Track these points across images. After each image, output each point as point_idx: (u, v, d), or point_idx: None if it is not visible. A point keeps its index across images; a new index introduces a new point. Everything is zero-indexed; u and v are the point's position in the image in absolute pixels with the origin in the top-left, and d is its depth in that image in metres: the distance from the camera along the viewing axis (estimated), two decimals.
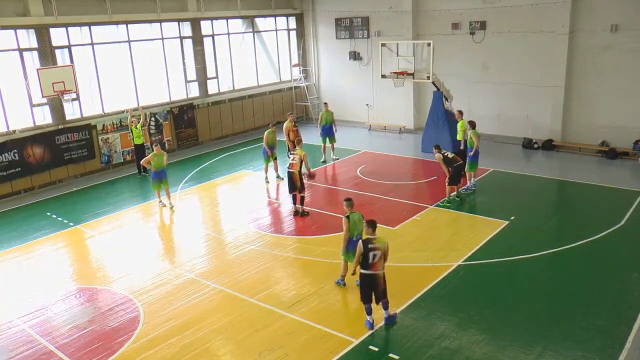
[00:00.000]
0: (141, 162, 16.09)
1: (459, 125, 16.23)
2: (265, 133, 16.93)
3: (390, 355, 8.56)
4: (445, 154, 14.58)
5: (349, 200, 10.37)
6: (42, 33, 17.47)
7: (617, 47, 18.05)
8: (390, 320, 9.32)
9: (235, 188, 17.54)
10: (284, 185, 17.06)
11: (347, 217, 10.09)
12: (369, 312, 9.21)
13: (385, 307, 9.28)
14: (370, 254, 8.90)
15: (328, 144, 19.50)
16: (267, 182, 17.35)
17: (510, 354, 8.47)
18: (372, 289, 9.10)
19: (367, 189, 16.26)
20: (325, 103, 20.16)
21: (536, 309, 9.77)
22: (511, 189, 15.92)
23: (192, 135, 22.33)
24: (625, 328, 8.93)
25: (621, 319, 9.20)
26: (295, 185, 14.40)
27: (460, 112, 16.54)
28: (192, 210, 15.71)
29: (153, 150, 15.40)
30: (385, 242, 9.03)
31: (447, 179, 14.68)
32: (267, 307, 10.14)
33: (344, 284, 10.60)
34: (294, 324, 9.57)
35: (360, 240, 9.06)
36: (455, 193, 14.97)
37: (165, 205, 15.62)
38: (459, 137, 16.21)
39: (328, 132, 19.28)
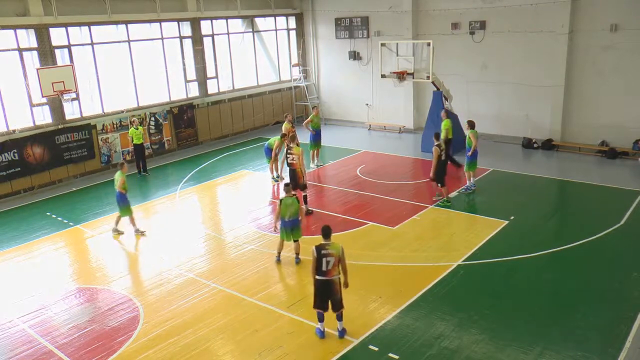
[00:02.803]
0: (117, 188, 13.57)
1: (442, 124, 16.63)
2: (276, 141, 16.89)
3: (390, 355, 8.56)
4: (442, 148, 14.56)
5: (287, 185, 11.54)
6: (41, 33, 17.47)
7: (616, 47, 18.06)
8: (343, 333, 9.05)
9: (235, 188, 17.55)
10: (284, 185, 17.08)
11: (280, 200, 11.24)
12: (321, 319, 9.00)
13: (339, 319, 9.01)
14: (324, 260, 8.69)
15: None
16: (276, 180, 17.37)
17: (510, 353, 8.47)
18: (328, 295, 8.87)
19: (366, 189, 16.26)
20: (315, 107, 19.91)
21: (536, 309, 9.78)
22: (511, 189, 15.93)
23: (191, 135, 22.33)
24: (624, 328, 8.94)
25: (621, 319, 9.21)
26: (298, 183, 14.40)
27: (446, 112, 16.92)
28: (191, 210, 15.72)
29: (120, 170, 13.69)
30: (339, 247, 8.77)
31: (434, 177, 14.64)
32: (267, 306, 10.14)
33: (279, 261, 11.82)
34: (293, 323, 9.58)
35: (314, 247, 8.86)
36: (439, 194, 14.99)
37: (144, 232, 13.95)
38: (442, 135, 16.38)
39: (316, 137, 18.86)
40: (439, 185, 14.78)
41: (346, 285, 8.98)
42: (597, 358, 8.26)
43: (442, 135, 16.36)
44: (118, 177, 13.53)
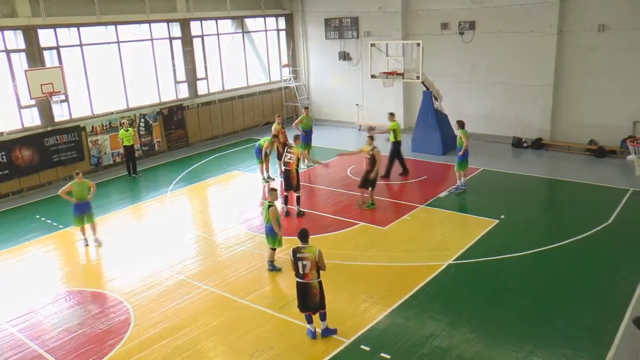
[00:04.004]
0: (59, 193, 13.35)
1: (390, 126, 16.94)
2: (266, 142, 16.87)
3: (382, 354, 8.58)
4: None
5: (271, 189, 11.36)
6: (29, 34, 17.34)
7: (604, 47, 18.19)
8: (327, 333, 9.07)
9: (226, 189, 17.51)
10: (275, 186, 17.06)
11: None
12: (309, 320, 9.11)
13: (322, 319, 9.06)
14: (299, 264, 8.77)
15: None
16: (266, 181, 17.35)
17: (500, 352, 8.52)
18: (306, 298, 8.91)
19: (357, 189, 16.22)
20: (305, 107, 19.89)
21: (526, 308, 9.84)
22: (501, 188, 16.01)
23: (182, 137, 22.26)
24: (613, 325, 9.00)
25: (610, 317, 9.28)
26: (292, 184, 14.37)
27: (392, 114, 17.19)
28: (182, 212, 15.67)
29: (75, 179, 13.26)
30: (315, 250, 8.74)
31: (372, 182, 14.45)
32: (259, 308, 10.14)
33: (273, 268, 11.54)
34: (285, 324, 9.58)
35: (291, 249, 9.00)
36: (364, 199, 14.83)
37: (87, 245, 13.36)
38: (391, 138, 16.88)
39: (306, 138, 18.73)
40: (371, 189, 14.57)
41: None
42: (587, 356, 8.33)
43: (391, 138, 16.70)
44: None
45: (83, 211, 13.24)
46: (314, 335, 9.07)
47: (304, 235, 8.96)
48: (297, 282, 8.97)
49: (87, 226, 13.46)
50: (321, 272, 8.95)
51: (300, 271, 8.83)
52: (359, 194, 15.06)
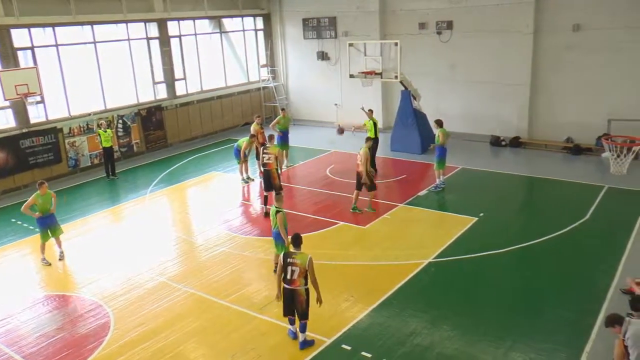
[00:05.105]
0: (22, 210, 12.20)
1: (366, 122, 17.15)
2: (245, 142, 16.84)
3: (363, 353, 8.60)
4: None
5: (277, 194, 11.68)
6: (2, 34, 17.02)
7: (579, 46, 18.46)
8: (305, 345, 8.80)
9: (205, 190, 17.41)
10: (254, 186, 17.04)
11: None
12: (292, 322, 9.04)
13: (302, 330, 8.82)
14: (289, 269, 8.61)
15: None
16: (246, 182, 17.29)
17: (481, 348, 8.61)
18: (292, 304, 8.77)
19: (337, 189, 16.29)
20: (283, 109, 19.93)
21: (506, 304, 9.95)
22: (480, 186, 16.16)
23: (160, 138, 22.07)
24: (590, 320, 9.14)
25: (587, 312, 9.42)
26: (272, 184, 14.31)
27: (371, 111, 17.50)
28: (162, 213, 15.54)
29: (38, 190, 12.21)
30: (306, 258, 8.54)
31: (369, 183, 14.24)
32: (239, 309, 10.10)
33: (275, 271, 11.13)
34: (266, 325, 9.56)
35: (282, 253, 8.93)
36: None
37: (50, 264, 12.32)
38: (370, 134, 16.84)
39: (283, 138, 18.57)
40: (370, 189, 14.29)
41: (318, 300, 8.69)
42: (565, 349, 8.45)
43: (370, 134, 16.83)
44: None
45: (48, 225, 12.34)
46: (295, 336, 9.05)
47: (296, 241, 8.81)
48: (284, 287, 8.80)
49: (51, 241, 12.54)
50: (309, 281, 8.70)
51: (288, 276, 8.65)
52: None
